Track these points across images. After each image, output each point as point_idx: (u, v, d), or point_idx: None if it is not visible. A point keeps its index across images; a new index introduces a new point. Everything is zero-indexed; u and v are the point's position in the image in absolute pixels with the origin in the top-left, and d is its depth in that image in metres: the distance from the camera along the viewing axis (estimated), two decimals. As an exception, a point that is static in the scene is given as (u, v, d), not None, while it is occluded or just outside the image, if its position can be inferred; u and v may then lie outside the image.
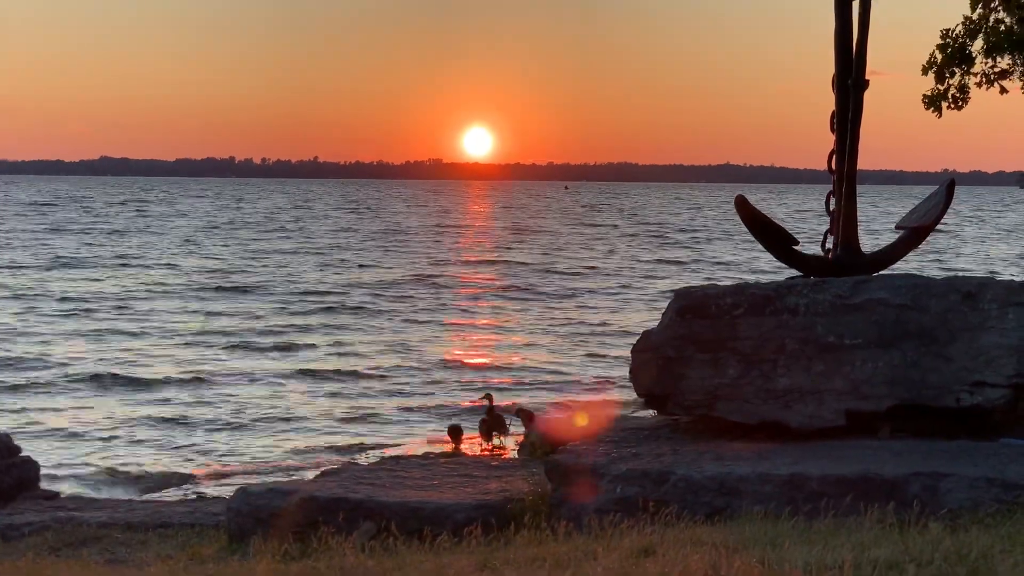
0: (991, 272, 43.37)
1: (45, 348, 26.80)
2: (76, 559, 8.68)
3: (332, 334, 29.73)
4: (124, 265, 48.20)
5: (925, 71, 17.94)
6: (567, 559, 6.86)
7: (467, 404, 20.68)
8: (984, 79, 17.94)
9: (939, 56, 17.82)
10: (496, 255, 56.35)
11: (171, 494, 14.84)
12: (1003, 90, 17.98)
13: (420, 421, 19.96)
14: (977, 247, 64.70)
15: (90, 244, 59.67)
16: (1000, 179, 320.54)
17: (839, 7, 9.96)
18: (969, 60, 17.78)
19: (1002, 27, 17.47)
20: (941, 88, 17.95)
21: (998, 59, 17.78)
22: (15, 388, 22.06)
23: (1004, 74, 17.94)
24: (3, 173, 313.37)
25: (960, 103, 17.94)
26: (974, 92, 18.00)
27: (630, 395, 12.37)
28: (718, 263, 52.21)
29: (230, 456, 17.43)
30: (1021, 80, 18.00)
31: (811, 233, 38.74)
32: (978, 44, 17.73)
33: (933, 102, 17.95)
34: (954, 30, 17.78)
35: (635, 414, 12.22)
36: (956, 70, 17.84)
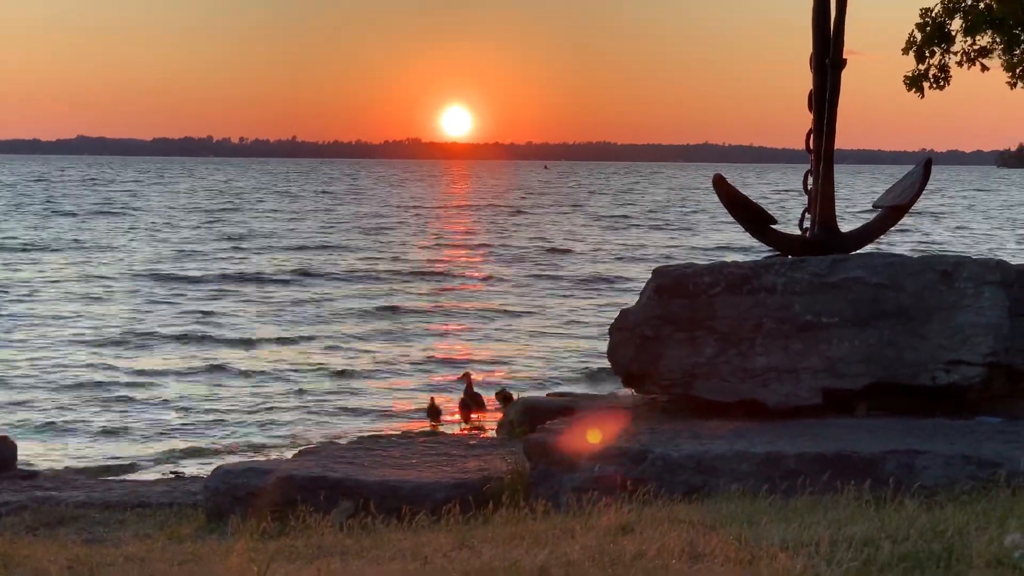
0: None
1: (20, 330, 26.70)
2: (53, 539, 8.66)
3: (313, 315, 29.69)
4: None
5: (906, 51, 17.88)
6: (545, 537, 6.88)
7: (446, 383, 20.68)
8: (964, 57, 17.89)
9: (919, 35, 17.76)
10: (479, 238, 56.15)
11: (149, 474, 14.81)
12: (984, 68, 17.94)
13: (399, 401, 19.94)
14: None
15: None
16: (978, 158, 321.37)
17: (817, -14, 9.97)
18: (948, 39, 17.75)
19: (981, 5, 17.45)
20: (922, 68, 17.90)
21: (977, 37, 17.74)
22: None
23: (984, 52, 17.90)
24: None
25: (941, 83, 17.90)
26: (954, 71, 17.96)
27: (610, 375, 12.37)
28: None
29: (208, 436, 17.39)
30: (1003, 60, 17.96)
31: (789, 212, 38.69)
32: (957, 23, 17.70)
33: (915, 83, 17.90)
34: (933, 9, 17.73)
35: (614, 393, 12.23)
36: (936, 49, 17.80)
